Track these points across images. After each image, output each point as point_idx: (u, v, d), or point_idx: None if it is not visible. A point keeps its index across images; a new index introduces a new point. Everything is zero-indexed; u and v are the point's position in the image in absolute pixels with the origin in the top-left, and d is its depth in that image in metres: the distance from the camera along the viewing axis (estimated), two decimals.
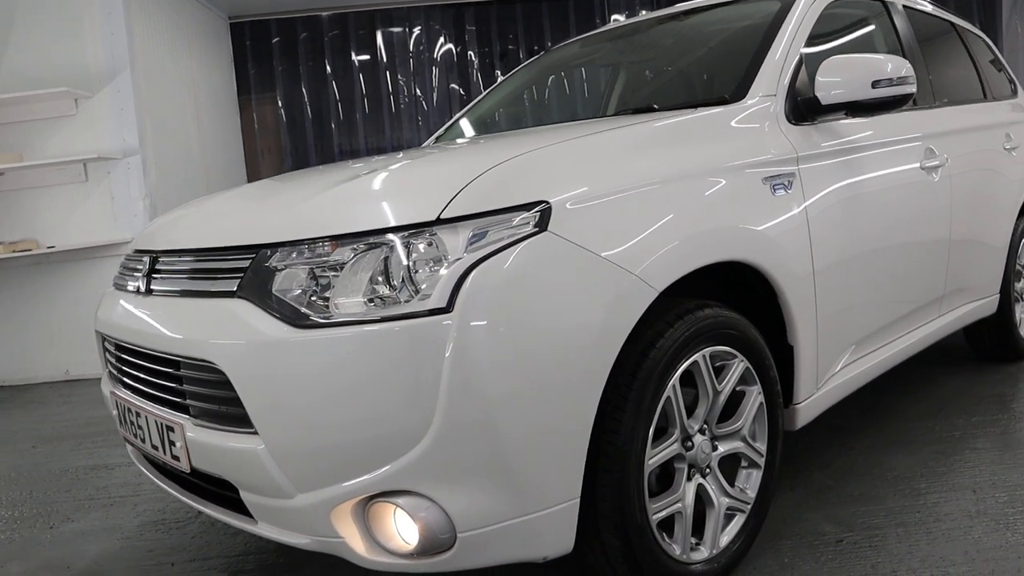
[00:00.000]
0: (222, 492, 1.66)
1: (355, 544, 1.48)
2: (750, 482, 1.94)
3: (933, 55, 3.20)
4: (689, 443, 1.78)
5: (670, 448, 1.71)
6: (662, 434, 1.71)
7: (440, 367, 1.37)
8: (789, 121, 2.13)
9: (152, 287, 1.81)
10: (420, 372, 1.38)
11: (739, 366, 1.86)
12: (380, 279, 1.43)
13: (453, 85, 7.01)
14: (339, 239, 1.48)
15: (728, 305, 1.94)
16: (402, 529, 1.47)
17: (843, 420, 2.96)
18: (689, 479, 1.79)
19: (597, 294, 1.51)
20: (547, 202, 1.50)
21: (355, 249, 1.46)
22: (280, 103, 6.85)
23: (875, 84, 2.11)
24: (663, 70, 2.75)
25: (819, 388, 2.17)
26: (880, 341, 2.49)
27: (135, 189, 4.72)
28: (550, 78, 3.03)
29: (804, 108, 2.18)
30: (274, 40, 6.82)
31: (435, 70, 7.01)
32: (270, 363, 1.45)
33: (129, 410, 1.87)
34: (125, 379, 1.91)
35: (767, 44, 2.25)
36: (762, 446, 1.95)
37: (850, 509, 2.22)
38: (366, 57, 6.93)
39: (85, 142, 4.64)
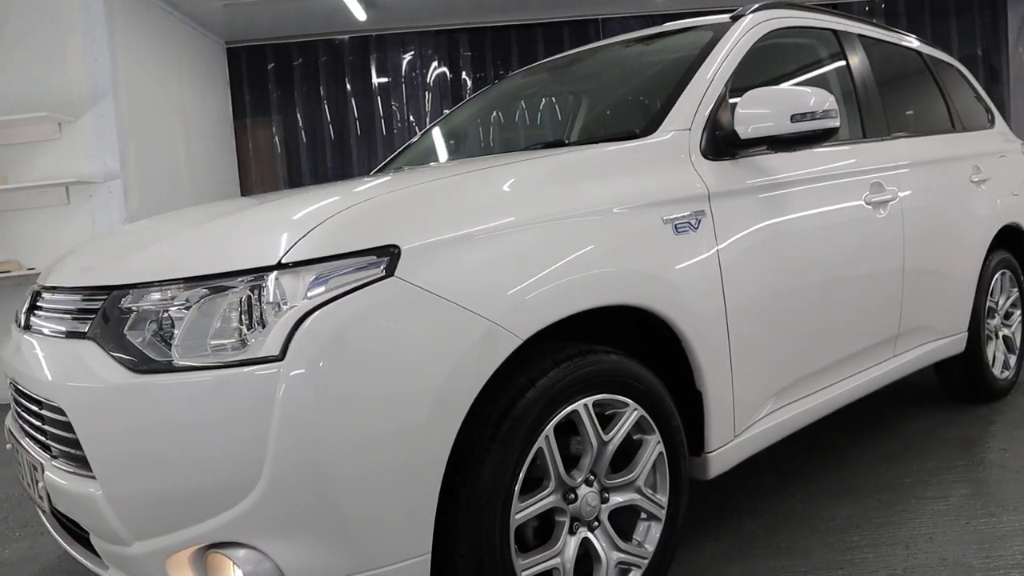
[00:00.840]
0: (81, 534, 1.62)
1: None
2: (649, 536, 1.84)
3: (894, 85, 3.09)
4: (572, 495, 1.69)
5: (544, 501, 1.63)
6: (537, 485, 1.63)
7: (270, 417, 1.32)
8: (705, 156, 2.05)
9: (30, 323, 1.78)
10: (250, 421, 1.32)
11: (632, 415, 1.76)
12: (220, 325, 1.38)
13: (447, 110, 7.00)
14: (185, 282, 1.43)
15: (628, 349, 1.87)
16: None
17: (794, 464, 2.84)
18: (572, 533, 1.70)
19: (449, 342, 1.44)
20: (396, 246, 1.44)
21: (198, 293, 1.41)
22: (274, 127, 6.91)
23: (794, 118, 2.03)
24: (592, 103, 2.68)
25: (737, 436, 2.06)
26: (817, 384, 2.37)
27: (116, 212, 4.75)
28: (494, 111, 2.98)
29: (724, 143, 2.09)
30: (270, 65, 6.88)
31: (428, 95, 7.02)
32: (108, 408, 1.41)
33: (12, 446, 1.84)
34: (14, 414, 1.89)
35: (688, 77, 2.17)
36: (663, 498, 1.85)
37: (772, 563, 2.10)
38: (360, 82, 6.96)
39: (68, 166, 4.70)
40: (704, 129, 2.07)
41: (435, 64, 7.03)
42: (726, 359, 1.98)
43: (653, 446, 1.82)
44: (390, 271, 1.42)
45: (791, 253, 2.19)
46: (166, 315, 1.42)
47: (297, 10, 6.11)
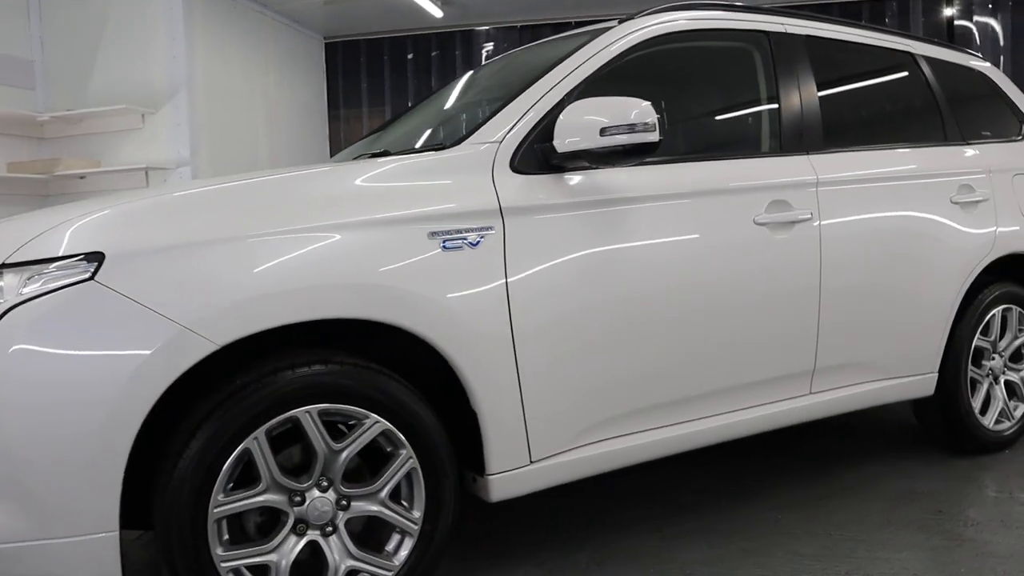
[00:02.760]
0: None
1: None
2: (401, 549, 1.85)
3: (858, 92, 2.77)
4: (299, 498, 1.74)
5: (255, 499, 1.69)
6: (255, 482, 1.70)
7: None
8: (518, 171, 1.99)
9: None
10: None
11: (373, 427, 1.78)
12: None
13: None
14: None
15: (382, 360, 1.86)
16: None
17: (693, 498, 2.66)
18: (300, 534, 1.75)
19: (137, 342, 1.55)
20: (101, 253, 1.56)
21: None
22: (364, 119, 7.28)
23: (605, 131, 1.91)
24: (460, 113, 2.65)
25: (536, 462, 2.00)
26: (675, 417, 2.22)
27: None
28: (419, 115, 2.98)
29: (547, 156, 2.01)
30: (362, 59, 7.25)
31: None
32: None
33: None
34: None
35: (522, 89, 2.11)
36: (417, 513, 1.85)
37: None
38: (444, 75, 7.16)
39: (147, 152, 5.27)
40: (523, 142, 2.01)
41: None
42: (513, 383, 1.92)
43: (403, 461, 1.82)
44: (93, 275, 1.55)
45: (625, 276, 2.07)
46: None
47: (384, 7, 6.40)
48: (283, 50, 6.56)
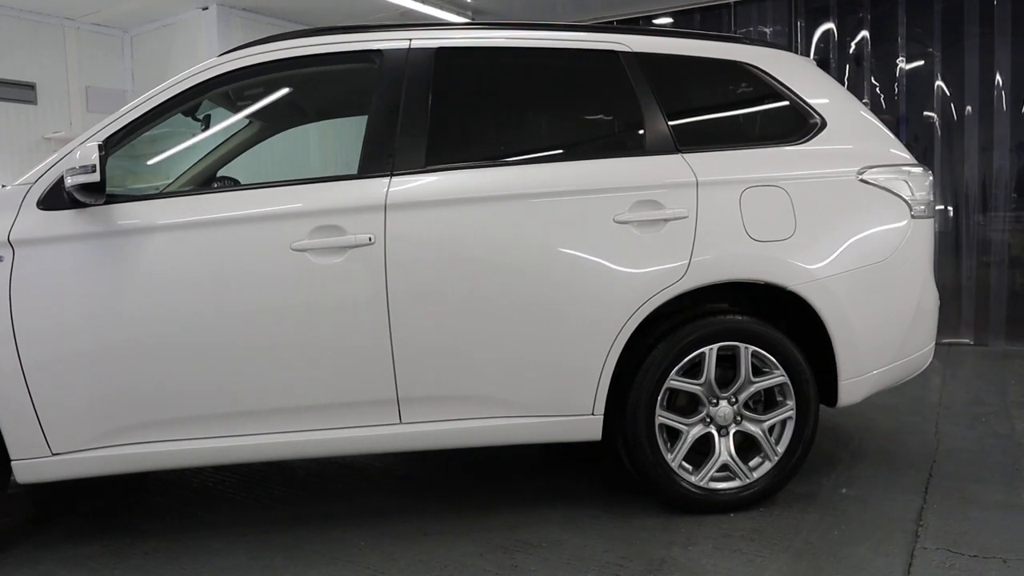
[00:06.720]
0: None
1: None
2: None
3: (499, 102, 2.73)
4: None
5: None
6: None
7: None
8: (46, 207, 2.45)
9: None
10: None
11: None
12: None
13: None
14: None
15: None
16: None
17: (290, 510, 2.90)
18: None
19: None
20: None
21: None
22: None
23: (69, 172, 2.33)
24: None
25: (58, 455, 2.47)
26: (228, 430, 2.50)
27: None
28: None
29: (69, 193, 2.44)
30: None
31: None
32: None
33: None
34: None
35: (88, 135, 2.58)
36: None
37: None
38: None
39: None
40: (59, 181, 2.48)
41: None
42: (21, 386, 2.41)
43: None
44: None
45: (131, 299, 2.43)
46: None
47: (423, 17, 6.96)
48: None
